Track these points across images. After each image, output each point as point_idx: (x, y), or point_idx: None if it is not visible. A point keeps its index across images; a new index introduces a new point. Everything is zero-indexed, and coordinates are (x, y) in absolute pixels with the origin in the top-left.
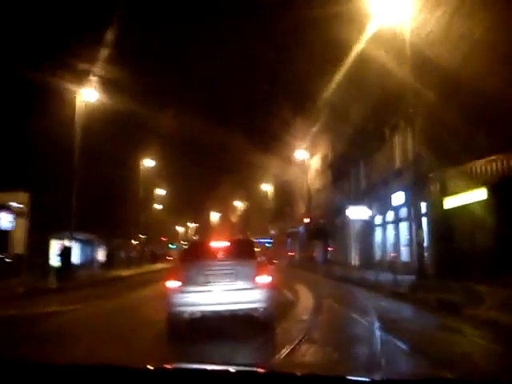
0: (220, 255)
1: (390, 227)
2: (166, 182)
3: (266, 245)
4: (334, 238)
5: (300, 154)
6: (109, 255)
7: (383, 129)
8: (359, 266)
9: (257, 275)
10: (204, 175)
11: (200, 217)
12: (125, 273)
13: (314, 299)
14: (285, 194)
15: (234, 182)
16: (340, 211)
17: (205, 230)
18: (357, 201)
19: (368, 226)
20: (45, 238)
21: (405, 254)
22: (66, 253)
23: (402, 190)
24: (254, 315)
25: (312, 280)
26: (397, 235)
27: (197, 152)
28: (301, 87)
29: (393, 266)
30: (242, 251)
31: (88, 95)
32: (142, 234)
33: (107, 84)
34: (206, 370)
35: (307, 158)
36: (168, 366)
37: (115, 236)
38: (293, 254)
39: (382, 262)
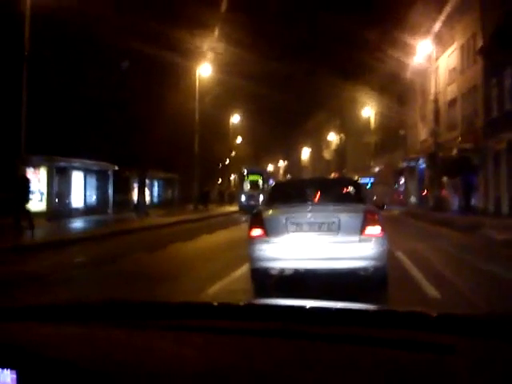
0: (317, 198)
1: None
2: (256, 116)
3: (367, 185)
4: (482, 174)
5: (423, 50)
6: (204, 194)
7: None
8: None
9: (366, 225)
10: (295, 105)
11: (291, 153)
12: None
13: None
14: (393, 117)
15: (328, 111)
16: (497, 129)
17: (296, 167)
18: None
19: None
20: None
21: None
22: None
23: None
24: (361, 275)
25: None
26: None
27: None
28: None
29: None
30: (347, 194)
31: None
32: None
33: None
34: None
35: (433, 55)
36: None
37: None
38: (401, 197)
39: None
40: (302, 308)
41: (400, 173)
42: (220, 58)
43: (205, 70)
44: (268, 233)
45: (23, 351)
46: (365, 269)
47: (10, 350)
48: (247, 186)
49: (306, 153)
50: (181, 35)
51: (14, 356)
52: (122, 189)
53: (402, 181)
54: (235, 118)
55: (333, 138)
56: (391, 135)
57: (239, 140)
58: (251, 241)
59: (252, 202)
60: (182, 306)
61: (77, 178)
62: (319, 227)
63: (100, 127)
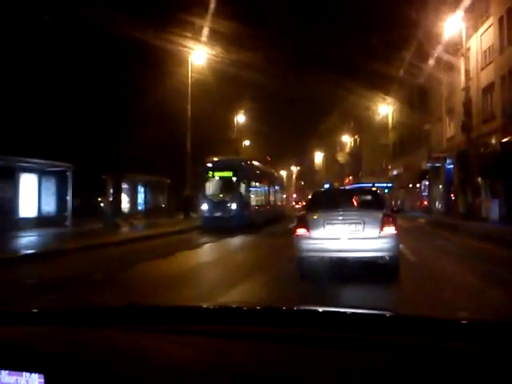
0: (347, 205)
1: None
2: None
3: (385, 190)
4: None
5: (450, 29)
6: (185, 200)
7: None
8: None
9: (383, 226)
10: (308, 108)
11: (303, 158)
12: None
13: None
14: (414, 113)
15: (341, 112)
16: None
17: (308, 173)
18: None
19: None
20: None
21: None
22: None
23: None
24: (379, 262)
25: None
26: None
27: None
28: None
29: None
30: (369, 201)
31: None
32: None
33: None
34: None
35: (462, 32)
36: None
37: None
38: (425, 203)
39: None
40: (301, 312)
41: (423, 175)
42: (224, 57)
43: (198, 58)
44: (310, 231)
45: (50, 355)
46: (382, 258)
47: (37, 354)
48: (212, 189)
49: (319, 157)
50: (169, 21)
51: (41, 360)
52: (97, 194)
53: (426, 184)
54: (240, 118)
55: (347, 140)
56: (412, 133)
57: (247, 143)
58: (298, 237)
59: (220, 214)
60: (184, 310)
61: (27, 181)
62: (348, 227)
63: (64, 122)
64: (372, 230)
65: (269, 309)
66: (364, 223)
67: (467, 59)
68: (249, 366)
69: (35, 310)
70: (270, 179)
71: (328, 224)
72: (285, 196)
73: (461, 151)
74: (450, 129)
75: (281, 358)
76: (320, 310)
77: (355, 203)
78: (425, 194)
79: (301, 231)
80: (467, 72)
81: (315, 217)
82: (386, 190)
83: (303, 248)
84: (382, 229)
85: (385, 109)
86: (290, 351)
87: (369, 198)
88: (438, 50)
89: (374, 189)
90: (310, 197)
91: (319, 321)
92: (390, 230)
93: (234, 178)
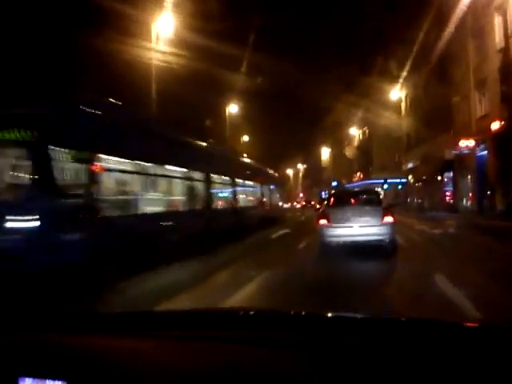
0: (356, 202)
1: None
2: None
3: (398, 186)
4: None
5: None
6: None
7: None
8: None
9: (383, 216)
10: (313, 101)
11: (310, 155)
12: None
13: None
14: (433, 94)
15: (348, 103)
16: None
17: (315, 170)
18: None
19: None
20: None
21: None
22: None
23: None
24: (381, 244)
25: None
26: None
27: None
28: None
29: None
30: (372, 199)
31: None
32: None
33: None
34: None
35: None
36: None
37: None
38: (449, 199)
39: None
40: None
41: (446, 166)
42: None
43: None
44: (331, 222)
45: (72, 362)
46: (383, 240)
47: (60, 360)
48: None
49: (326, 153)
50: None
51: (63, 367)
52: None
53: (450, 177)
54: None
55: (355, 133)
56: (431, 118)
57: (247, 139)
58: (320, 227)
59: None
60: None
61: None
62: (359, 218)
63: None
64: (375, 220)
65: (260, 313)
66: (369, 215)
67: (506, 14)
68: (231, 369)
69: (57, 317)
70: (271, 182)
71: (344, 216)
72: (279, 195)
73: (498, 133)
74: (480, 106)
75: (268, 362)
76: (292, 313)
77: (363, 200)
78: (448, 188)
79: (323, 222)
80: (505, 28)
81: (334, 210)
82: (400, 186)
83: (325, 235)
84: (382, 219)
85: (397, 94)
86: (276, 355)
87: (372, 196)
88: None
89: (375, 189)
90: (328, 196)
91: (301, 325)
92: (389, 219)
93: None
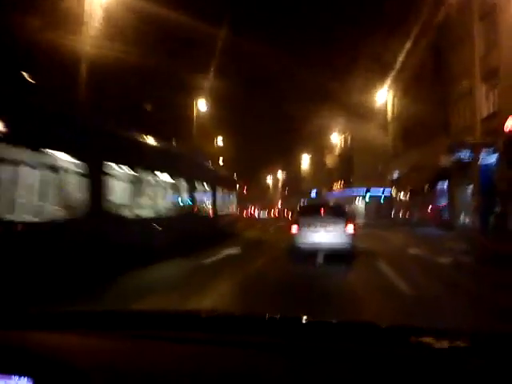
0: (323, 213)
1: None
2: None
3: (381, 199)
4: None
5: None
6: None
7: None
8: None
9: (346, 227)
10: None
11: (290, 162)
12: None
13: None
14: (427, 91)
15: (330, 109)
16: None
17: (294, 179)
18: None
19: None
20: None
21: None
22: None
23: None
24: (342, 250)
25: None
26: None
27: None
28: None
29: None
30: (337, 211)
31: None
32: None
33: None
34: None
35: None
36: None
37: None
38: (439, 214)
39: None
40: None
41: (440, 175)
42: None
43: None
44: (300, 229)
45: (39, 359)
46: (345, 247)
47: (26, 357)
48: None
49: (306, 161)
50: None
51: (30, 364)
52: None
53: (444, 188)
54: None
55: (336, 140)
56: (423, 119)
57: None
58: (291, 232)
59: None
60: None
61: None
62: (325, 227)
63: None
64: (339, 229)
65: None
66: (334, 225)
67: None
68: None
69: (28, 314)
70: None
71: (312, 225)
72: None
73: (510, 135)
74: (487, 103)
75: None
76: (266, 316)
77: (329, 212)
78: (441, 201)
79: (294, 229)
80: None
81: (304, 219)
82: (383, 199)
83: (295, 240)
84: (345, 229)
85: (383, 95)
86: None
87: (338, 209)
88: None
89: (340, 203)
90: (299, 207)
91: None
92: (350, 230)
93: None
